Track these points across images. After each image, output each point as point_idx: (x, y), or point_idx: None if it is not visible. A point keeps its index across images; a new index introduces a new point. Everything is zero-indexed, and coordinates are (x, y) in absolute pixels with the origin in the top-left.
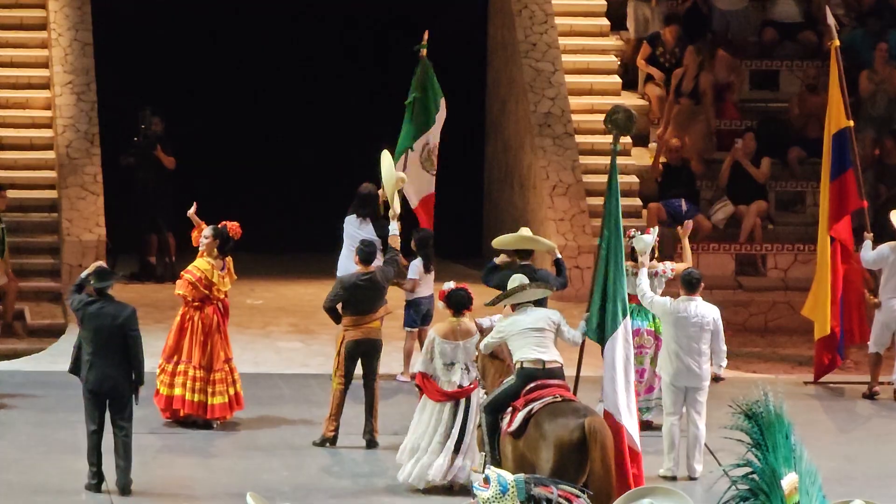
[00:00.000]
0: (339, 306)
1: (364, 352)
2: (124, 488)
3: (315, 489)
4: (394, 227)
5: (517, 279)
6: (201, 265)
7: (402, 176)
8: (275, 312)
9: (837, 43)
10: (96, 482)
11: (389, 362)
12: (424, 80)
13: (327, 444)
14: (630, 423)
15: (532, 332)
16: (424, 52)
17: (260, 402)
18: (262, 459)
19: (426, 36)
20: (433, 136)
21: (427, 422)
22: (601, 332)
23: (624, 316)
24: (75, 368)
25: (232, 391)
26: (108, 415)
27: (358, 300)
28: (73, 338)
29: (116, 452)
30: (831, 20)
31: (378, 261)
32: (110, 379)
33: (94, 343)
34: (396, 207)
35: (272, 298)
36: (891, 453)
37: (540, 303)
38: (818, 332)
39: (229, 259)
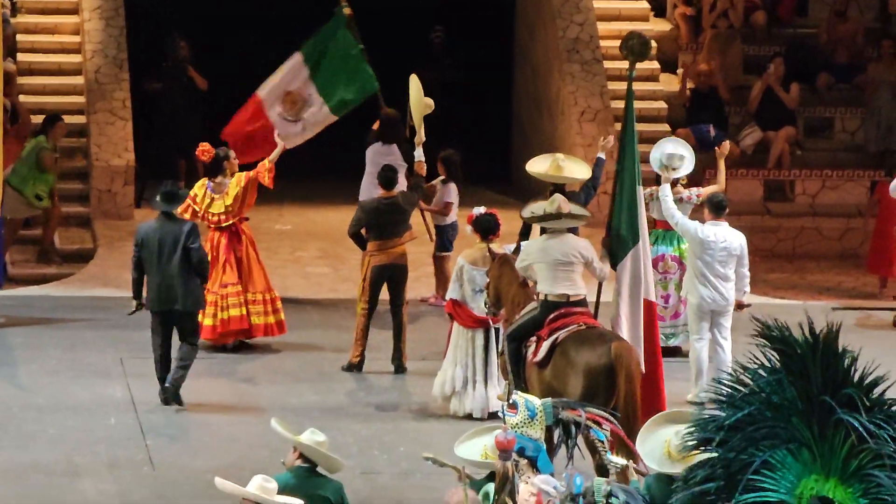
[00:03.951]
0: (363, 232)
1: (389, 277)
2: (173, 395)
3: (343, 414)
4: (419, 153)
5: (556, 200)
6: (195, 188)
7: (430, 102)
8: (303, 238)
9: None
10: (165, 396)
11: (419, 287)
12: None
13: (354, 370)
14: (637, 347)
15: (561, 266)
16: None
17: (288, 327)
18: (290, 384)
19: None
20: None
21: (466, 351)
22: (613, 258)
23: (634, 243)
24: (137, 293)
25: (272, 319)
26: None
27: (380, 225)
28: (103, 262)
29: (179, 360)
30: None
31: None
32: (174, 295)
33: (156, 261)
34: (422, 134)
35: (301, 223)
36: None
37: (572, 229)
38: None
39: (240, 175)
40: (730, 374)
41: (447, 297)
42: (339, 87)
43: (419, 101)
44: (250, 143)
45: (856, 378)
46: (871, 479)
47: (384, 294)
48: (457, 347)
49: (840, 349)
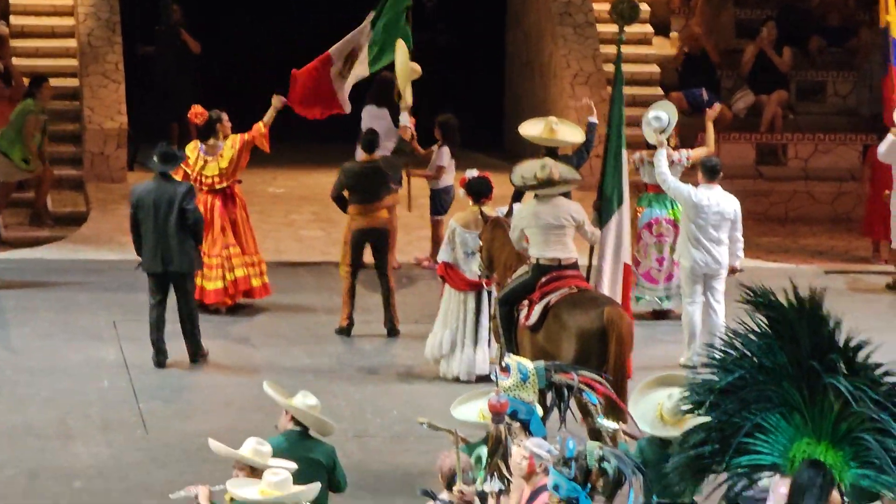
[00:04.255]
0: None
1: (370, 241)
2: (194, 356)
3: (335, 377)
4: (405, 118)
5: (547, 166)
6: (187, 149)
7: (417, 67)
8: (297, 201)
9: None
10: (158, 358)
11: (412, 251)
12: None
13: (344, 334)
14: None
15: (552, 230)
16: None
17: (282, 290)
18: (283, 347)
19: None
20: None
21: (457, 314)
22: (600, 220)
23: (619, 205)
24: (139, 250)
25: (260, 282)
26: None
27: (361, 188)
28: (95, 225)
29: (182, 325)
30: None
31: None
32: (170, 256)
33: (152, 222)
34: (408, 98)
35: (294, 187)
36: None
37: (564, 193)
38: None
39: (234, 138)
40: (722, 338)
41: (439, 260)
42: (383, 43)
43: (405, 66)
44: (313, 98)
45: (841, 342)
46: (861, 442)
47: (371, 259)
48: (448, 310)
49: (825, 313)
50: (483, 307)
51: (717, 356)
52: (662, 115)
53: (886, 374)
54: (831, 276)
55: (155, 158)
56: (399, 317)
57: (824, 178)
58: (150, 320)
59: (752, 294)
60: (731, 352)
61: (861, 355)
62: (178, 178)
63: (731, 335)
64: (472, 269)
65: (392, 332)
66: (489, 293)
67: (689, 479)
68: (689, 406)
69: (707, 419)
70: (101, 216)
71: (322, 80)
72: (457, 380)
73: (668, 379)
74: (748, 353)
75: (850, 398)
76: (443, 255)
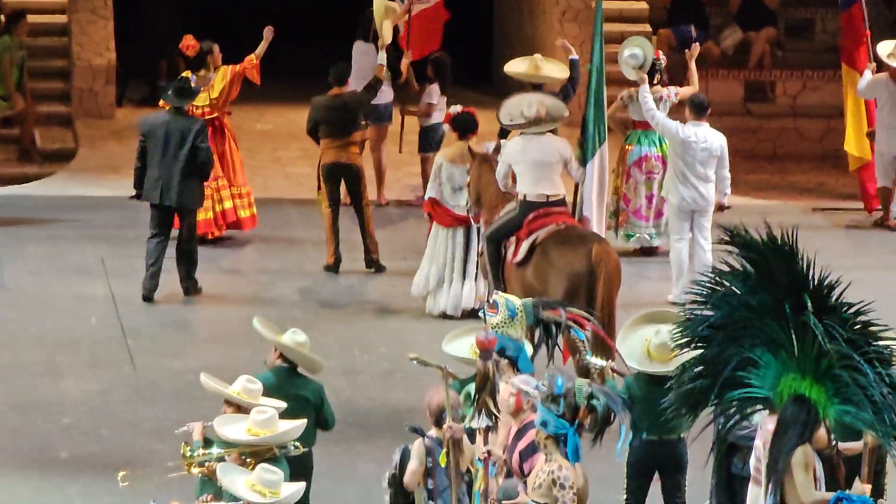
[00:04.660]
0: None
1: (342, 177)
2: (188, 290)
3: (324, 314)
4: (381, 57)
5: (534, 104)
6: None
7: (393, 6)
8: (284, 138)
9: None
10: (150, 288)
11: (401, 188)
12: None
13: (331, 271)
14: None
15: (540, 167)
16: None
17: (270, 226)
18: (271, 284)
19: None
20: None
21: (444, 250)
22: (583, 156)
23: (601, 142)
24: (139, 182)
25: (248, 213)
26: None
27: (330, 122)
28: (84, 162)
29: (179, 260)
30: None
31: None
32: (173, 190)
33: (160, 154)
34: (386, 36)
35: (282, 124)
36: None
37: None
38: (855, 162)
39: (225, 69)
40: (708, 276)
41: (426, 196)
42: None
43: (381, 5)
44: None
45: (814, 281)
46: (840, 379)
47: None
48: (435, 246)
49: (798, 252)
50: (471, 242)
51: (705, 293)
52: (637, 51)
53: (858, 313)
54: (819, 213)
55: (170, 92)
56: (381, 252)
57: (812, 115)
58: (148, 249)
59: (728, 234)
60: (719, 289)
61: (833, 294)
62: (199, 105)
63: (716, 273)
64: (460, 204)
65: (371, 264)
66: (477, 229)
67: (684, 414)
68: (681, 342)
69: (699, 353)
70: (89, 153)
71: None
72: (444, 315)
73: (655, 316)
74: (734, 291)
75: (822, 336)
76: (429, 191)
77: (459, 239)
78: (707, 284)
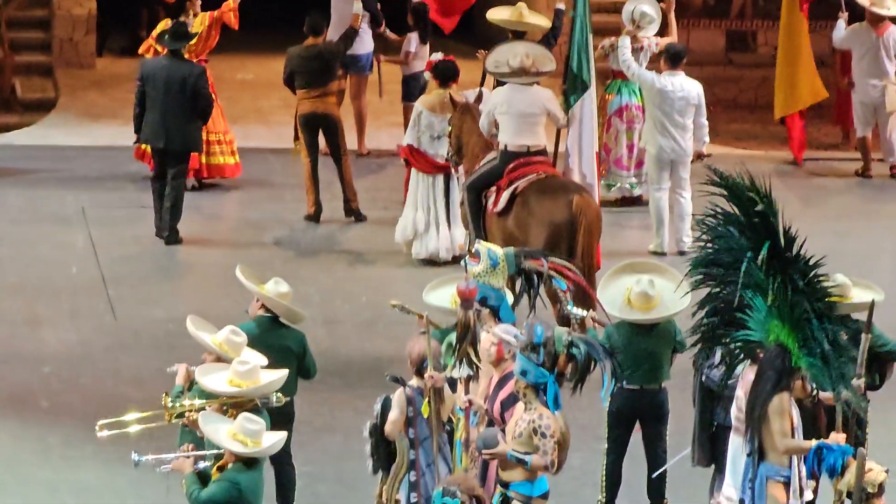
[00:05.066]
0: None
1: (320, 126)
2: (169, 237)
3: (305, 262)
4: (357, 7)
5: (519, 55)
6: (158, 27)
7: None
8: (264, 87)
9: None
10: (162, 227)
11: (382, 137)
12: None
13: (312, 220)
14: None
15: (523, 118)
16: None
17: (251, 176)
18: (251, 233)
19: None
20: None
21: (426, 196)
22: (566, 101)
23: (585, 90)
24: (138, 126)
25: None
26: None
27: (305, 72)
28: (64, 111)
29: (167, 201)
30: None
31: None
32: (173, 133)
33: (160, 98)
34: None
35: (262, 73)
36: (881, 230)
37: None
38: (794, 106)
39: (204, 15)
40: (711, 215)
41: (404, 143)
42: None
43: None
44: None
45: (780, 232)
46: (805, 329)
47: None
48: (417, 192)
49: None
50: (452, 188)
51: (709, 232)
52: (650, 12)
53: (814, 266)
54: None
55: (167, 36)
56: (362, 201)
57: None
58: (153, 192)
59: (717, 175)
60: (720, 228)
61: (795, 246)
62: (148, 55)
63: (716, 213)
64: (438, 152)
65: (350, 212)
66: (458, 177)
67: (704, 348)
68: (693, 280)
69: (713, 290)
70: (70, 102)
71: None
72: (431, 262)
73: (636, 266)
74: (730, 231)
75: (789, 286)
76: (408, 138)
77: (440, 185)
78: (709, 223)
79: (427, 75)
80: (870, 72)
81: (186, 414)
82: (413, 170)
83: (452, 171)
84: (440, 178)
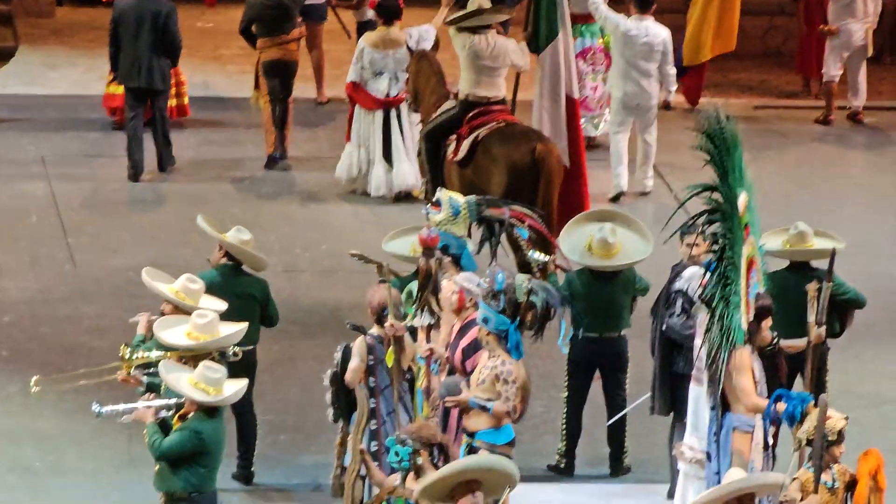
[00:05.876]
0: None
1: (280, 72)
2: (164, 165)
3: (265, 210)
4: None
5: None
6: None
7: None
8: (225, 36)
9: None
10: (134, 171)
11: (340, 85)
12: None
13: (274, 163)
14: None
15: (487, 69)
16: None
17: (210, 124)
18: (210, 180)
19: None
20: None
21: (368, 132)
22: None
23: (554, 35)
24: (115, 66)
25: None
26: None
27: (267, 20)
28: (24, 60)
29: (155, 136)
30: None
31: None
32: (148, 72)
33: (133, 37)
34: None
35: (223, 22)
36: (841, 177)
37: (503, 24)
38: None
39: None
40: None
41: (347, 80)
42: None
43: None
44: None
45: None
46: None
47: None
48: (359, 129)
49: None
50: (392, 124)
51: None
52: None
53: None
54: (761, 110)
55: None
56: (321, 149)
57: (755, 12)
58: (127, 134)
59: (705, 119)
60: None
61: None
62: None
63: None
64: (380, 87)
65: (283, 155)
66: (398, 111)
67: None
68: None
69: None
70: (29, 51)
71: None
72: (375, 196)
73: (598, 214)
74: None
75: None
76: (351, 75)
77: (379, 121)
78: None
79: (371, 13)
80: (852, 13)
81: (131, 373)
82: (357, 106)
83: (392, 106)
84: (379, 113)
